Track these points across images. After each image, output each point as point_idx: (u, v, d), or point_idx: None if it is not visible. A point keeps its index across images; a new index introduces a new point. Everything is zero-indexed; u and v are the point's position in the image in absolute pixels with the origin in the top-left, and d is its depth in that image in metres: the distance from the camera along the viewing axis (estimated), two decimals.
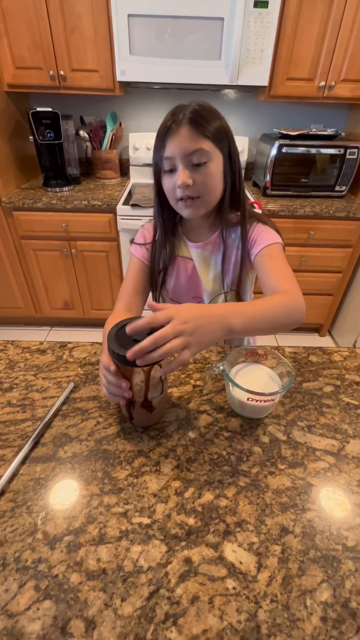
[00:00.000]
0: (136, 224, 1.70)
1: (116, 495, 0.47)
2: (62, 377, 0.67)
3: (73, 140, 1.88)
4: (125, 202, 1.71)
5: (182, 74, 1.58)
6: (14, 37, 1.54)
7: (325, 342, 2.19)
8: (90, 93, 1.69)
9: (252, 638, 0.35)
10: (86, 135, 1.92)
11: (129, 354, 0.43)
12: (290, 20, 1.50)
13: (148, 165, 2.02)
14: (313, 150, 1.70)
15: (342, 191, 1.82)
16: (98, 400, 0.62)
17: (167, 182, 0.68)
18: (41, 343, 0.76)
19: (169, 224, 0.78)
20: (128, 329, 0.46)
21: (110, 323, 0.63)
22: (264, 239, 0.71)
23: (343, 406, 0.62)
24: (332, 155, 1.71)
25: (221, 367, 0.55)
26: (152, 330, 0.44)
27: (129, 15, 1.46)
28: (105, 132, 1.95)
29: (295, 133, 1.70)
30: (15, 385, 0.64)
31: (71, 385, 0.64)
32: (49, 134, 1.72)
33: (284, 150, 1.71)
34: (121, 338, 0.48)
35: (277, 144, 1.69)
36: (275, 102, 1.84)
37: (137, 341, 0.47)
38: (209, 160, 0.64)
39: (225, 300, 0.81)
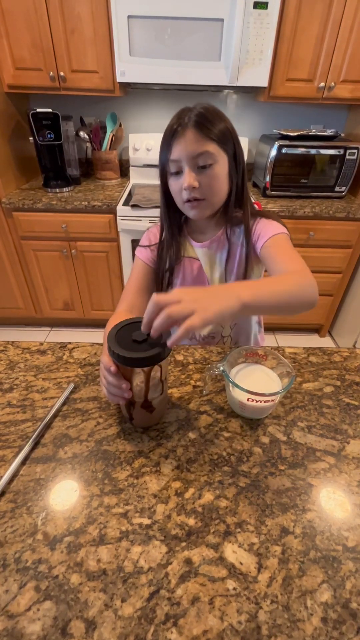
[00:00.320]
0: (136, 225, 1.70)
1: (116, 496, 0.47)
2: (62, 377, 0.67)
3: (73, 141, 1.88)
4: (125, 203, 1.71)
5: (181, 75, 1.58)
6: (14, 38, 1.54)
7: (325, 342, 2.19)
8: (90, 94, 1.69)
9: (252, 639, 0.34)
10: (86, 136, 1.92)
11: (143, 326, 0.46)
12: (290, 21, 1.50)
13: (148, 166, 2.02)
14: (313, 151, 1.70)
15: (341, 192, 1.82)
16: (98, 400, 0.62)
17: (174, 184, 0.69)
18: (41, 344, 0.76)
19: (175, 224, 0.79)
20: (143, 324, 0.47)
21: (112, 324, 0.63)
22: (269, 230, 0.71)
23: (343, 407, 0.62)
24: (331, 156, 1.71)
25: (221, 368, 0.55)
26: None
27: (129, 16, 1.46)
28: (105, 132, 1.95)
29: (295, 134, 1.70)
30: (15, 386, 0.64)
31: (71, 385, 0.64)
32: (49, 135, 1.72)
33: (283, 150, 1.71)
34: (121, 338, 0.48)
35: (276, 144, 1.69)
36: (274, 102, 1.85)
37: (137, 342, 0.47)
38: (215, 163, 0.65)
39: None
